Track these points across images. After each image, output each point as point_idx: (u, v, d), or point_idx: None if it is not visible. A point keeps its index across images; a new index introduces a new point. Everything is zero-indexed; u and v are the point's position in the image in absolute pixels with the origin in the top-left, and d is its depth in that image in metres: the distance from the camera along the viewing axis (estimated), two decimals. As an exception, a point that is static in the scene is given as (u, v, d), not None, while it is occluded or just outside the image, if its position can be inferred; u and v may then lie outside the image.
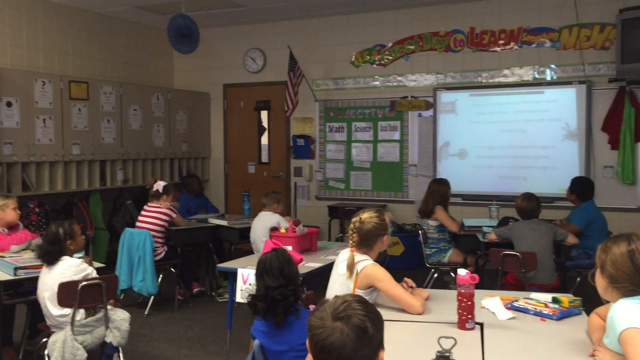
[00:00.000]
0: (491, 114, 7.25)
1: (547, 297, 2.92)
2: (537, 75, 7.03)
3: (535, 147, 7.02)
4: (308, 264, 4.18)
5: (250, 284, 3.98)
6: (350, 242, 3.00)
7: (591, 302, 2.56)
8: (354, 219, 3.03)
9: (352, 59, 7.95)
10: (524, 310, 2.80)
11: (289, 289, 2.48)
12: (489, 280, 5.45)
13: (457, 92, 7.41)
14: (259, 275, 2.57)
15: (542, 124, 7.00)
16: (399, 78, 7.73)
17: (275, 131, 8.62)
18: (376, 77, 7.84)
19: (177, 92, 8.43)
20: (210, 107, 8.92)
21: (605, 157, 6.71)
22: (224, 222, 6.04)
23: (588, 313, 2.62)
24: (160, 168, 8.04)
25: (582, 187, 5.59)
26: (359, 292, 2.90)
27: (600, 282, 2.19)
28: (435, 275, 5.60)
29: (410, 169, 7.72)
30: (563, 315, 2.70)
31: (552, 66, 6.93)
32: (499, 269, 4.59)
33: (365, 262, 2.92)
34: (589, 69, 6.74)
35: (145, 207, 5.75)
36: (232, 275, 4.17)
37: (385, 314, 2.75)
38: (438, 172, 7.44)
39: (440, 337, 1.75)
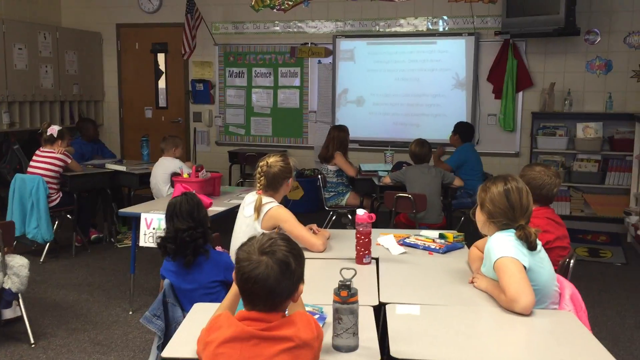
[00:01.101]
0: (387, 62, 7.50)
1: (434, 233, 3.21)
2: (430, 26, 7.33)
3: (428, 96, 7.38)
4: (212, 208, 4.24)
5: (154, 228, 4.02)
6: (258, 185, 3.12)
7: (472, 237, 2.86)
8: (260, 163, 3.14)
9: (252, 3, 7.86)
10: (414, 246, 3.08)
11: (198, 232, 2.57)
12: (384, 221, 5.79)
13: (356, 40, 7.58)
14: (168, 218, 2.63)
15: (434, 73, 7.35)
16: (299, 24, 7.76)
17: (173, 75, 8.42)
18: (276, 22, 7.83)
19: (66, 31, 7.98)
20: (102, 47, 8.53)
21: (489, 106, 7.20)
22: (122, 168, 5.93)
23: (470, 247, 2.94)
24: (50, 111, 7.66)
25: (463, 129, 6.12)
26: (264, 232, 3.05)
27: (480, 218, 2.46)
28: (334, 217, 5.86)
29: (310, 115, 7.87)
30: (448, 249, 3.00)
31: (445, 17, 7.24)
32: (393, 210, 4.90)
33: (271, 204, 3.06)
34: (478, 21, 7.11)
35: (38, 152, 5.52)
36: (134, 220, 4.17)
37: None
38: (337, 119, 7.65)
39: (341, 269, 1.93)
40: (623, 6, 6.64)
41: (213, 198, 4.65)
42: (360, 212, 2.80)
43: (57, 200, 5.46)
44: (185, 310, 2.56)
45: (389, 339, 1.92)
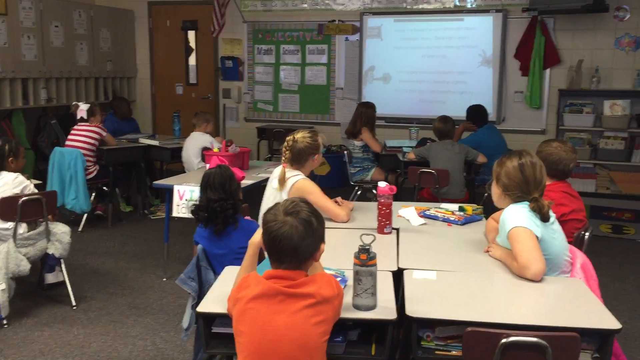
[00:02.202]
0: (414, 39, 7.54)
1: (454, 206, 3.33)
2: (457, 3, 7.33)
3: (454, 73, 7.42)
4: (243, 182, 4.42)
5: (186, 200, 4.21)
6: (283, 158, 3.28)
7: (492, 211, 2.97)
8: (288, 138, 3.29)
9: (281, -20, 7.95)
10: (434, 217, 3.21)
11: (228, 203, 2.74)
12: (407, 196, 5.92)
13: (383, 17, 7.63)
14: (202, 188, 2.81)
15: (460, 50, 7.37)
16: (327, 1, 7.83)
17: (203, 52, 8.59)
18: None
19: (100, 9, 8.19)
20: (134, 25, 8.73)
21: (516, 83, 7.21)
22: (155, 142, 6.15)
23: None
24: (85, 87, 7.91)
25: (475, 115, 6.01)
26: (291, 203, 3.21)
27: (495, 191, 2.58)
28: (359, 192, 6.00)
29: (336, 92, 7.98)
30: (466, 221, 3.13)
31: (472, -6, 7.24)
32: (417, 185, 5.02)
33: (297, 177, 3.22)
34: (506, -2, 7.10)
35: (75, 127, 5.77)
36: (168, 192, 4.37)
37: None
38: (363, 96, 7.74)
39: (361, 234, 2.08)
40: (654, -18, 6.57)
41: (243, 172, 4.84)
42: (382, 184, 2.94)
43: (94, 173, 5.71)
44: (217, 273, 2.74)
45: (405, 300, 2.07)
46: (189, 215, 4.15)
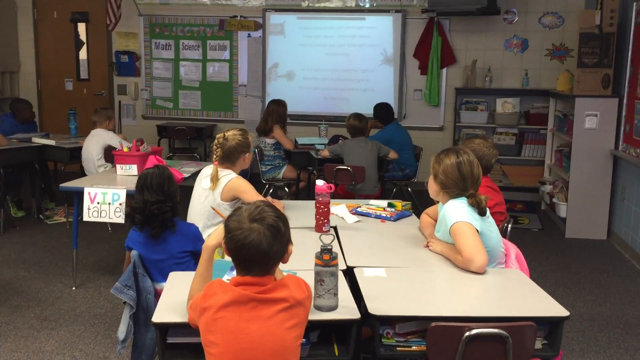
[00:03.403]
0: (317, 37, 7.61)
1: (383, 203, 3.39)
2: (359, 2, 7.48)
3: (357, 71, 7.57)
4: (156, 182, 4.24)
5: (98, 202, 3.97)
6: (214, 156, 3.17)
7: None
8: (218, 135, 3.20)
9: (179, -27, 7.70)
10: (367, 214, 3.25)
11: (167, 205, 2.60)
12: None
13: (286, 14, 7.62)
14: (139, 189, 2.65)
15: (362, 49, 7.53)
16: (228, -4, 7.70)
17: (95, 46, 8.13)
18: (204, -7, 7.73)
19: (-22, -3, 7.52)
20: (17, 16, 8.09)
21: (415, 82, 7.49)
22: (51, 142, 5.74)
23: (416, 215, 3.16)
24: (-38, 82, 7.24)
25: (380, 112, 6.13)
26: (224, 204, 3.12)
27: (433, 187, 2.65)
28: (271, 190, 5.96)
29: (240, 89, 7.87)
30: (398, 217, 3.20)
31: (373, -6, 7.42)
32: (332, 182, 5.05)
33: (229, 176, 3.13)
34: (405, -1, 7.35)
35: (-41, 126, 5.26)
36: (76, 195, 4.10)
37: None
38: (267, 93, 7.71)
39: (321, 235, 2.06)
40: (538, -12, 7.07)
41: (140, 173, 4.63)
42: (320, 182, 2.93)
43: (-17, 176, 5.23)
44: (154, 279, 2.61)
45: (364, 299, 2.08)
46: (101, 219, 3.97)
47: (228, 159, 3.18)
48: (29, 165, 5.81)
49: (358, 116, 5.25)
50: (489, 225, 2.54)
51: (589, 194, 5.56)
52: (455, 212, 2.48)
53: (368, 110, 7.15)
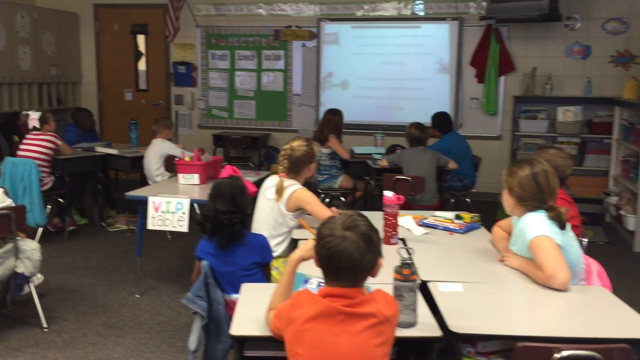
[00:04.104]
0: (372, 46, 7.57)
1: (450, 214, 3.32)
2: (415, 10, 7.41)
3: (412, 79, 7.49)
4: (218, 191, 4.28)
5: (162, 212, 4.03)
6: (280, 167, 3.17)
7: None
8: (285, 146, 3.19)
9: (235, -15, 7.80)
10: (434, 226, 3.18)
11: (237, 216, 2.60)
12: (377, 204, 5.91)
13: (340, 23, 7.61)
14: (211, 198, 2.66)
15: (418, 57, 7.45)
16: (283, 7, 7.75)
17: (153, 57, 8.31)
18: (260, 4, 7.79)
19: (43, 11, 7.77)
20: (80, 28, 8.35)
21: (472, 90, 7.35)
22: (114, 151, 5.87)
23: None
24: (28, 93, 7.49)
25: (439, 121, 6.00)
26: (289, 214, 3.11)
27: (509, 202, 2.56)
28: (327, 200, 5.93)
29: (294, 98, 7.89)
30: (467, 229, 3.12)
31: (429, 2, 7.33)
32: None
33: (294, 187, 3.12)
34: (461, 6, 7.23)
35: (27, 136, 5.44)
36: (141, 204, 4.17)
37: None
38: (321, 102, 7.71)
39: (399, 248, 2.01)
40: (602, -7, 6.86)
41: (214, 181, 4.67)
42: (388, 193, 2.88)
43: (50, 184, 5.39)
44: (226, 291, 2.60)
45: (443, 316, 2.01)
46: (165, 228, 4.02)
47: (294, 169, 3.17)
48: (92, 174, 5.95)
49: (419, 125, 5.18)
50: (570, 239, 2.44)
51: (660, 206, 5.33)
52: (535, 225, 2.39)
53: (423, 119, 7.10)
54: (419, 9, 7.38)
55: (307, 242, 2.04)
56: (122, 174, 6.86)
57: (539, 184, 2.46)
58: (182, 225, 3.99)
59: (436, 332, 1.91)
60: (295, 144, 3.19)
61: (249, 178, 4.69)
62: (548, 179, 2.47)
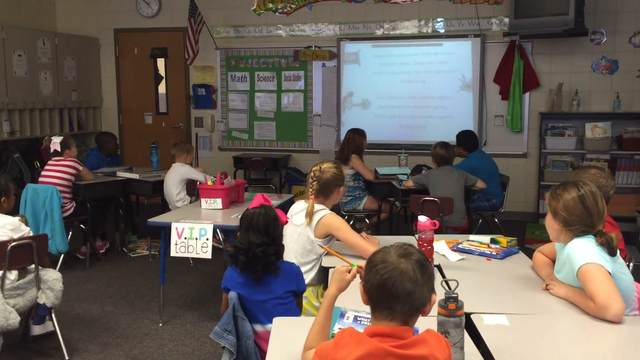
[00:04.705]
0: (392, 64, 7.48)
1: (485, 238, 3.18)
2: (436, 28, 7.31)
3: (434, 98, 7.38)
4: (242, 216, 4.18)
5: (185, 238, 3.93)
6: (310, 190, 3.06)
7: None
8: (314, 168, 3.09)
9: (254, 6, 7.74)
10: (470, 252, 3.04)
11: (271, 248, 2.49)
12: (403, 226, 5.79)
13: (360, 42, 7.54)
14: (244, 229, 2.54)
15: (439, 75, 7.35)
16: (302, 27, 7.70)
17: (173, 80, 8.30)
18: (279, 25, 7.76)
19: (64, 37, 7.81)
20: (99, 53, 8.38)
21: (496, 107, 7.21)
22: (135, 176, 5.81)
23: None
24: (50, 118, 7.50)
25: (465, 140, 5.86)
26: (318, 241, 2.99)
27: (554, 226, 2.41)
28: (351, 222, 5.81)
29: (314, 118, 7.81)
30: (505, 255, 2.97)
31: (450, 19, 7.23)
32: (419, 213, 4.85)
33: (323, 212, 3.00)
34: (483, 23, 7.12)
35: (49, 162, 5.40)
36: (163, 230, 4.08)
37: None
38: (342, 122, 7.62)
39: (442, 280, 1.88)
40: (628, 6, 6.70)
41: (238, 205, 4.59)
42: (423, 218, 2.75)
43: (71, 210, 5.33)
44: (260, 321, 2.48)
45: (492, 353, 1.87)
46: (188, 255, 3.92)
47: (323, 192, 3.06)
48: (113, 199, 5.89)
49: (445, 145, 5.05)
50: (620, 266, 2.29)
51: (699, 224, 5.12)
52: (583, 252, 2.24)
53: (446, 138, 6.96)
54: (440, 27, 7.28)
55: (339, 271, 1.91)
56: (142, 198, 6.81)
57: (587, 207, 2.32)
58: (205, 251, 3.89)
59: (486, 372, 1.77)
60: (325, 165, 3.08)
61: (273, 201, 4.61)
62: (596, 201, 2.33)
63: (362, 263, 1.90)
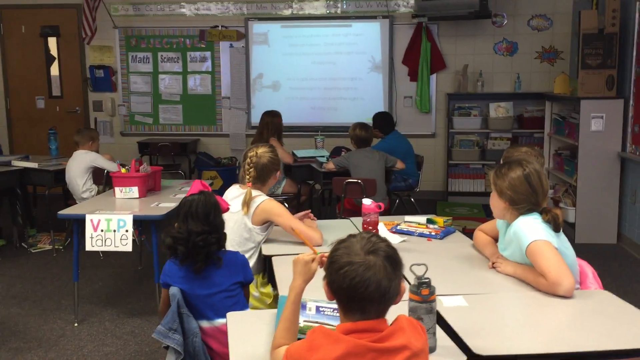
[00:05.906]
0: (302, 45, 7.38)
1: (422, 219, 3.17)
2: (345, 8, 7.28)
3: (345, 79, 7.37)
4: (162, 205, 3.95)
5: (102, 230, 3.65)
6: (247, 177, 2.91)
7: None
8: (250, 154, 2.93)
9: (155, -17, 7.37)
10: (409, 233, 3.02)
11: (212, 236, 2.32)
12: (327, 209, 5.76)
13: (269, 23, 7.37)
14: (182, 217, 2.35)
15: (350, 56, 7.34)
16: (208, 5, 7.41)
17: (67, 61, 7.72)
18: (182, 4, 7.41)
19: (-61, 12, 7.03)
20: (-19, 31, 7.63)
21: (405, 88, 7.33)
22: (33, 165, 5.35)
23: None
24: None
25: (381, 121, 5.88)
26: (255, 228, 2.86)
27: (499, 205, 2.43)
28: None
29: (223, 101, 7.57)
30: (445, 234, 2.98)
31: (358, 0, 7.22)
32: (342, 196, 4.83)
33: (261, 198, 2.87)
34: (391, 4, 7.18)
35: None
36: (75, 223, 3.77)
37: (286, 248, 2.77)
38: (252, 105, 7.44)
39: (411, 265, 1.82)
40: (526, -10, 7.01)
41: (156, 194, 4.34)
42: (367, 201, 2.69)
43: (-39, 205, 4.82)
44: (206, 317, 2.32)
45: (460, 336, 1.84)
46: (106, 249, 3.66)
47: (261, 178, 2.92)
48: (8, 190, 5.40)
49: (364, 126, 5.03)
50: (564, 241, 2.34)
51: (598, 197, 5.47)
52: (531, 229, 2.27)
53: (358, 119, 6.95)
54: (349, 8, 7.25)
55: (302, 262, 1.79)
56: (41, 188, 6.30)
57: (533, 186, 2.35)
58: (125, 244, 3.63)
59: (460, 356, 1.74)
60: (260, 150, 2.94)
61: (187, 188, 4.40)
62: (541, 179, 2.37)
63: (317, 250, 1.81)
